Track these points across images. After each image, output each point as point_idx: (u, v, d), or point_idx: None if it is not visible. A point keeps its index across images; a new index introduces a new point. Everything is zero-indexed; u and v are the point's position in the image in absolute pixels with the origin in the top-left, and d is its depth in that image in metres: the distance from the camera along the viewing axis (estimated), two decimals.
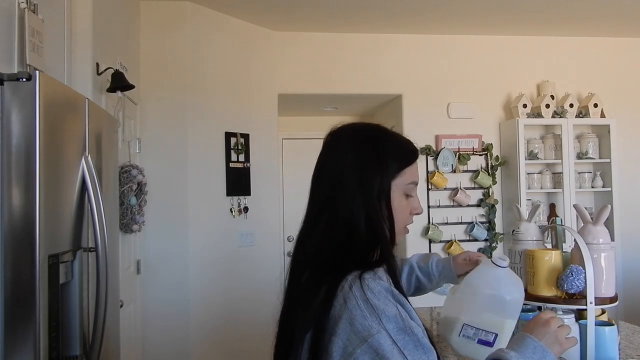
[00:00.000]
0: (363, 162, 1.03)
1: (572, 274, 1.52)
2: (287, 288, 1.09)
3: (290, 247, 5.24)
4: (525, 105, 4.23)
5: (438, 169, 4.27)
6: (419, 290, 1.64)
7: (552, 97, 4.28)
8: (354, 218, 1.00)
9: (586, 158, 4.33)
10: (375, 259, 1.02)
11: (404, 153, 1.08)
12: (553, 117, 4.25)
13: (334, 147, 1.08)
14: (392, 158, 1.05)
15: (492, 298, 1.26)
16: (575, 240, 1.56)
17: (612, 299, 1.59)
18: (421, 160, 4.24)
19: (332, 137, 1.10)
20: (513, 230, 1.81)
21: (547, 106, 4.22)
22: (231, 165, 3.78)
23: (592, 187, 4.37)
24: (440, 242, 4.29)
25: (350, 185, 1.01)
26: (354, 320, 0.91)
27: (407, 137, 1.11)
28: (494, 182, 4.36)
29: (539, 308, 1.72)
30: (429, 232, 4.24)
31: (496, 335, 1.25)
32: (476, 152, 4.33)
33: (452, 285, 1.56)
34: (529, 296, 1.64)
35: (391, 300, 0.94)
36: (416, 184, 1.09)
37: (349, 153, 1.04)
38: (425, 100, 4.36)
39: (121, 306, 2.38)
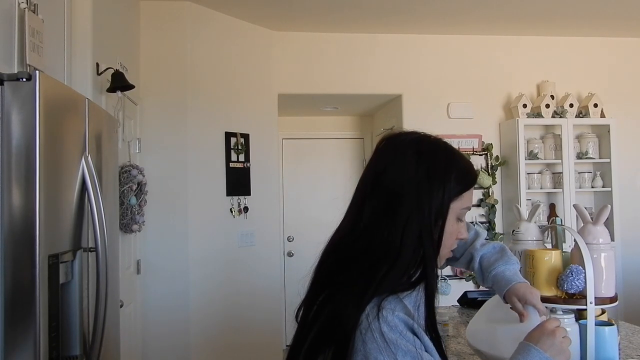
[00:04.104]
0: (427, 178, 0.98)
1: (572, 274, 1.51)
2: (310, 288, 1.03)
3: (290, 247, 5.24)
4: (525, 105, 4.23)
5: None
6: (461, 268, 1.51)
7: (552, 97, 4.28)
8: (404, 236, 0.95)
9: (586, 158, 4.33)
10: (412, 279, 0.98)
11: (468, 176, 1.04)
12: (553, 117, 4.25)
13: (395, 156, 1.02)
14: (456, 179, 1.00)
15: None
16: (575, 240, 1.56)
17: (612, 299, 1.58)
18: None
19: (390, 144, 1.05)
20: (513, 230, 1.81)
21: (547, 106, 4.22)
22: (231, 165, 3.78)
23: (592, 187, 4.37)
24: None
25: (409, 201, 0.96)
26: (369, 355, 0.90)
27: (470, 161, 1.07)
28: (494, 182, 4.36)
29: None
30: None
31: None
32: (476, 152, 4.33)
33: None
34: None
35: (407, 334, 0.92)
36: (469, 209, 1.05)
37: (412, 167, 0.99)
38: (425, 100, 4.35)
39: (121, 306, 2.38)
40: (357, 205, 1.02)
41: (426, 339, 0.95)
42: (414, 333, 0.93)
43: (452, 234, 1.03)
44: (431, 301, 0.97)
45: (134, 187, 2.88)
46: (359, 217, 1.00)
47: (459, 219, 1.04)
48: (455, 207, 1.01)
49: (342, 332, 0.92)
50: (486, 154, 4.37)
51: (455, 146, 1.08)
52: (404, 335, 0.91)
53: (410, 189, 0.97)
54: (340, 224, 1.04)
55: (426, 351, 0.94)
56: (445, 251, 1.03)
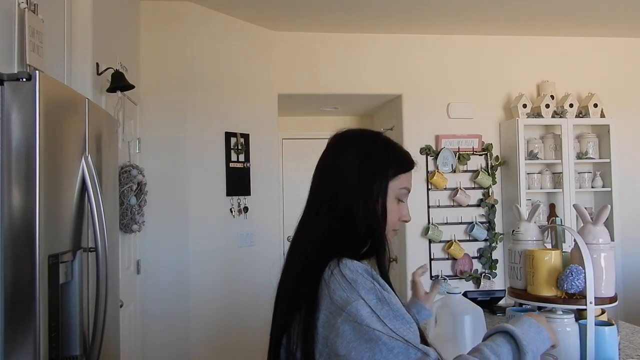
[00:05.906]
0: (366, 163, 1.13)
1: (572, 274, 1.52)
2: (282, 273, 1.18)
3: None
4: (525, 105, 4.23)
5: (438, 169, 4.27)
6: None
7: (552, 97, 4.28)
8: (353, 212, 1.09)
9: (586, 158, 4.33)
10: (365, 251, 1.11)
11: (402, 161, 1.19)
12: (553, 117, 4.25)
13: (340, 148, 1.19)
14: (391, 163, 1.16)
15: (474, 314, 1.48)
16: (575, 240, 1.56)
17: (612, 299, 1.59)
18: (421, 160, 4.24)
19: (338, 139, 1.21)
20: (513, 230, 1.81)
21: (547, 106, 4.22)
22: (231, 165, 3.78)
23: (592, 187, 4.37)
24: (440, 242, 4.29)
25: (353, 183, 1.11)
26: (333, 295, 0.99)
27: (407, 150, 1.23)
28: (494, 182, 4.36)
29: (539, 308, 1.71)
30: (429, 232, 4.24)
31: None
32: (476, 152, 4.33)
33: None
34: (529, 296, 1.64)
35: (368, 276, 1.01)
36: (409, 190, 1.19)
37: (354, 155, 1.15)
38: (425, 100, 4.35)
39: (121, 306, 2.38)
40: (312, 194, 1.17)
41: (387, 287, 1.04)
42: (374, 279, 1.02)
43: (395, 213, 1.16)
44: (382, 265, 1.09)
45: (134, 187, 2.88)
46: (315, 204, 1.14)
47: (399, 200, 1.17)
48: (393, 186, 1.15)
49: (308, 283, 1.03)
50: (486, 154, 4.37)
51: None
52: (365, 277, 1.01)
53: (353, 173, 1.12)
54: (302, 215, 1.17)
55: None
56: (389, 229, 1.15)
